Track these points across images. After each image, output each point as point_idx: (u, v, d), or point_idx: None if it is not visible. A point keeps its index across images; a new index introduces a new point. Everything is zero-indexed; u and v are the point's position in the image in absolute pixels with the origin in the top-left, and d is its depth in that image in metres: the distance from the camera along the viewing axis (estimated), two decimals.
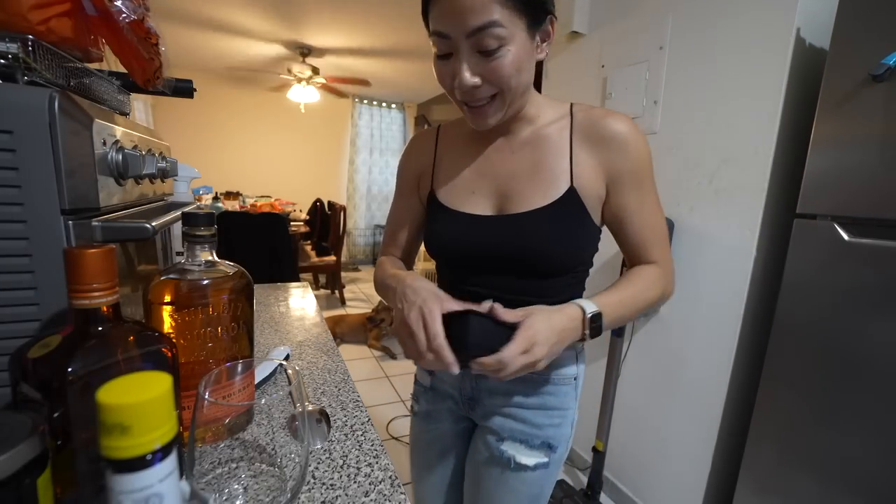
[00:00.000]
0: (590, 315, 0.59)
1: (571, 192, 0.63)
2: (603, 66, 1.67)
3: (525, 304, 0.63)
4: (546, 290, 0.66)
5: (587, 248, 0.66)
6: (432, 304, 0.55)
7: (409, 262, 0.82)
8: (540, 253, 0.63)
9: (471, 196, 0.69)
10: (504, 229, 0.65)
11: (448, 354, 0.53)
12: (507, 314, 0.56)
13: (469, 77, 0.56)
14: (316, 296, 1.67)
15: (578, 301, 0.61)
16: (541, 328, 0.55)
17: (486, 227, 0.66)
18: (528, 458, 0.70)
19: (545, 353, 0.54)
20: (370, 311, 3.21)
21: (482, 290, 0.67)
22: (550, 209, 0.63)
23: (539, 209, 0.63)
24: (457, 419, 0.79)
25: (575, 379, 0.72)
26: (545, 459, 0.70)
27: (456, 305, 0.57)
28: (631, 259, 0.70)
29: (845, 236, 0.98)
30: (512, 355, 0.52)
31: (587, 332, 0.60)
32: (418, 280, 0.61)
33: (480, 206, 0.68)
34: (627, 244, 0.68)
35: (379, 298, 3.58)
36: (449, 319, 0.54)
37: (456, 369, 0.54)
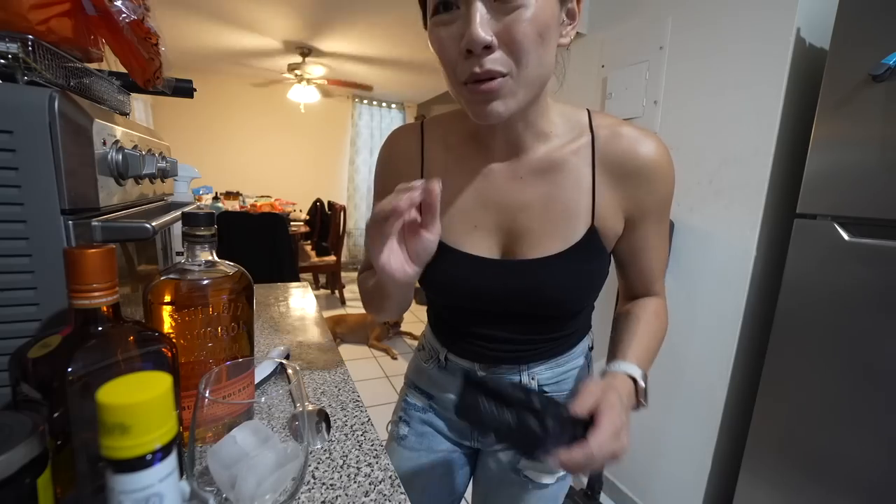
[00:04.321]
0: (643, 386, 0.54)
1: (592, 233, 0.55)
2: (603, 66, 1.67)
3: (530, 342, 0.62)
4: (554, 328, 0.63)
5: (601, 286, 0.61)
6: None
7: None
8: (557, 303, 0.58)
9: (473, 231, 0.58)
10: (515, 277, 0.56)
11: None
12: (579, 406, 0.45)
13: (482, 32, 0.42)
14: (316, 296, 1.67)
15: (625, 369, 0.53)
16: (622, 414, 0.46)
17: (493, 272, 0.57)
18: (549, 476, 0.66)
19: (628, 441, 0.45)
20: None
21: (484, 331, 0.63)
22: (568, 255, 0.55)
23: (555, 255, 0.55)
24: (461, 436, 0.72)
25: None
26: (563, 472, 0.67)
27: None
28: (632, 291, 0.65)
29: (845, 236, 0.98)
30: (599, 444, 0.42)
31: (643, 401, 0.54)
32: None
33: (485, 246, 0.58)
34: (633, 277, 0.63)
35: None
36: (505, 403, 0.45)
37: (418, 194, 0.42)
